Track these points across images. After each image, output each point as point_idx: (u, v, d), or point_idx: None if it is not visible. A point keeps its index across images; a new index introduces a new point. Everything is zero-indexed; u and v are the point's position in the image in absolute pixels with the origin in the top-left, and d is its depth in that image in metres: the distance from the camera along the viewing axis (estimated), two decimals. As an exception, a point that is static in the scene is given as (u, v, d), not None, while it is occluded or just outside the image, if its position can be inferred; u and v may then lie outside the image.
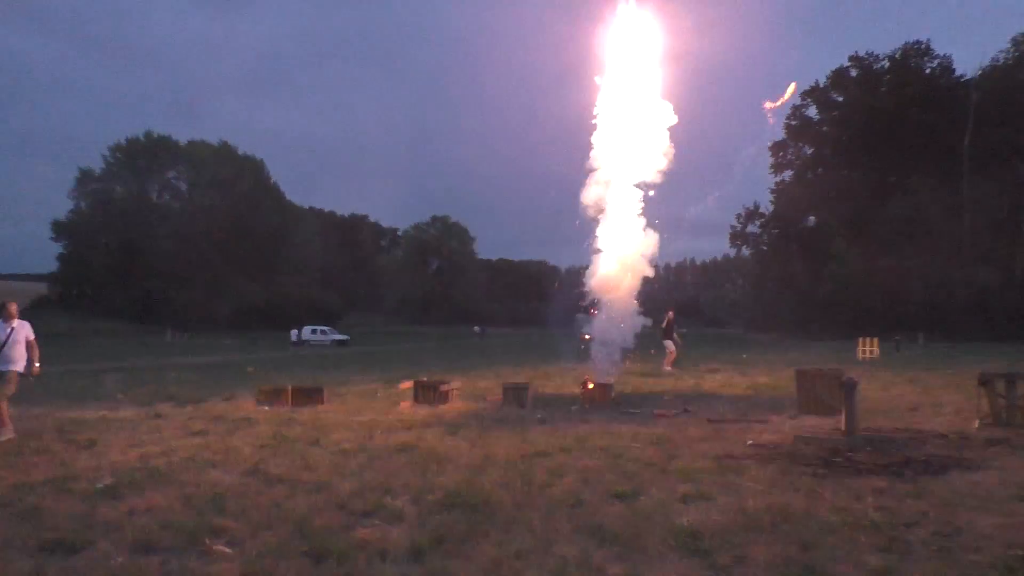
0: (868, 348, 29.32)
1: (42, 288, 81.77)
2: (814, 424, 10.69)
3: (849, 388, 9.16)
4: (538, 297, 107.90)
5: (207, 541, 5.05)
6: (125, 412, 12.67)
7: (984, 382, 10.71)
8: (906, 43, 65.53)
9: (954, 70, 64.39)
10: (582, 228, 15.26)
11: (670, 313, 21.34)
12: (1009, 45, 59.76)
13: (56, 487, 6.75)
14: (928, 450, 8.65)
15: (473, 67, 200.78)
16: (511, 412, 12.28)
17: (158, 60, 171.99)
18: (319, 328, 60.38)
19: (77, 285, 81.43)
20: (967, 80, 61.33)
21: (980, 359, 24.63)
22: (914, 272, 53.94)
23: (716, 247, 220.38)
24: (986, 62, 60.64)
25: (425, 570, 4.58)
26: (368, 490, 6.53)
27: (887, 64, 66.74)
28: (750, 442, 9.24)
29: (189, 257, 75.23)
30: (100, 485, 6.71)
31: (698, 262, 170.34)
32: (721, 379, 18.62)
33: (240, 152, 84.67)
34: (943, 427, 10.34)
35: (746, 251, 79.03)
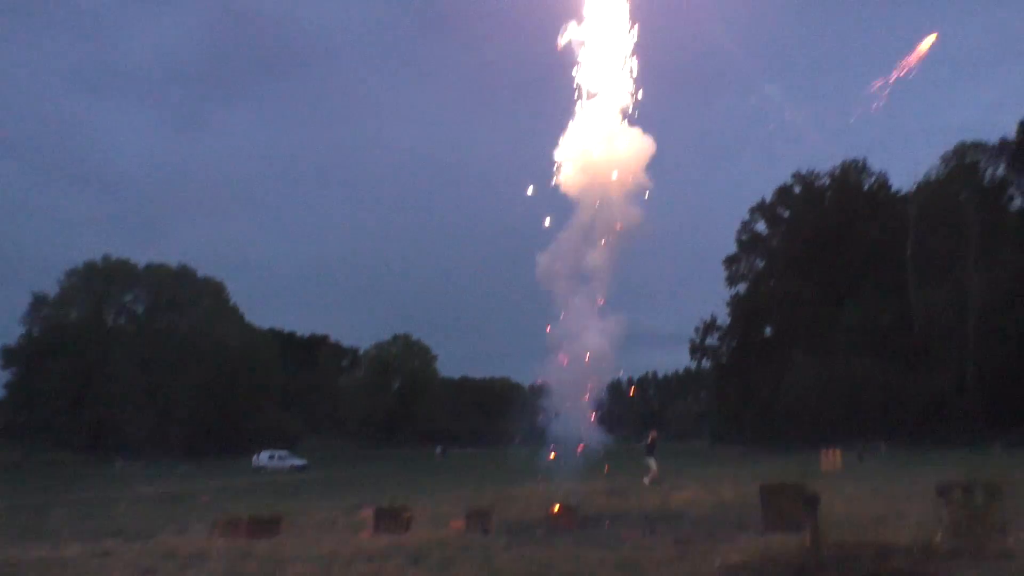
0: (831, 459, 29.42)
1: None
2: (781, 541, 10.59)
3: (811, 504, 9.17)
4: (501, 414, 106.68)
5: None
6: (69, 550, 12.08)
7: (942, 492, 10.80)
8: (844, 161, 69.24)
9: (890, 186, 67.98)
10: (542, 339, 15.44)
11: (653, 432, 23.29)
12: (939, 162, 62.94)
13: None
14: (893, 564, 8.62)
15: (433, 186, 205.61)
16: (475, 539, 11.99)
17: (115, 182, 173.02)
18: (276, 453, 58.67)
19: (26, 413, 78.58)
20: (904, 195, 64.51)
21: (940, 467, 24.81)
22: (871, 380, 54.86)
23: (678, 359, 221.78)
24: (919, 178, 63.89)
25: None
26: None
27: (828, 181, 70.22)
28: (718, 563, 9.12)
29: (143, 382, 73.49)
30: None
31: (660, 375, 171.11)
32: (688, 496, 18.45)
33: (200, 274, 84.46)
34: (907, 539, 10.32)
35: (706, 363, 79.94)
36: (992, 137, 61.61)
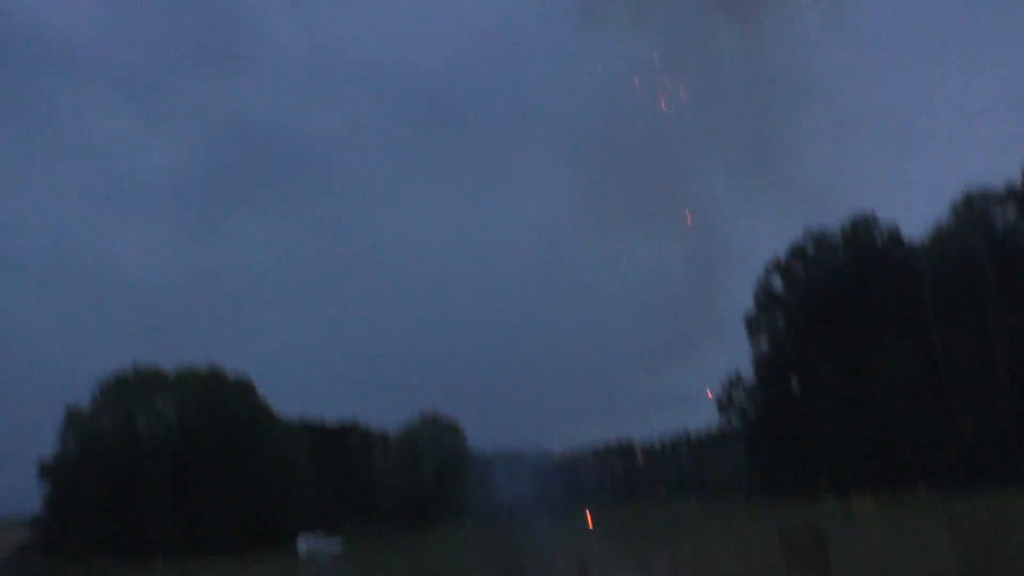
0: (865, 505, 29.68)
1: (24, 534, 79.45)
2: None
3: (821, 543, 10.02)
4: (536, 485, 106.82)
5: None
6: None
7: (953, 528, 11.57)
8: (854, 216, 68.89)
9: (902, 240, 68.01)
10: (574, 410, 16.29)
11: None
12: (950, 211, 63.08)
13: None
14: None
15: (444, 267, 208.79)
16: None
17: (140, 292, 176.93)
18: (313, 537, 59.77)
19: (63, 524, 79.18)
20: (917, 248, 64.82)
21: (964, 506, 25.16)
22: (905, 429, 54.80)
23: (708, 416, 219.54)
24: (929, 229, 64.02)
25: None
26: None
27: (840, 239, 70.48)
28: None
29: (180, 487, 74.23)
30: None
31: (692, 434, 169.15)
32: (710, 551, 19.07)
33: (230, 374, 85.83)
34: (924, 572, 11.08)
35: (734, 419, 79.75)
36: (996, 182, 62.42)
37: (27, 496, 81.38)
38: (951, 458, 51.75)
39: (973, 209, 60.97)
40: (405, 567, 31.75)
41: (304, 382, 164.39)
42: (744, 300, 74.61)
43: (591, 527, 47.83)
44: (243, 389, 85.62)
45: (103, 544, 73.17)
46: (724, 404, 77.03)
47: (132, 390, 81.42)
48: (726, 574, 14.13)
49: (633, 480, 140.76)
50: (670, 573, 15.25)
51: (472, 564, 25.96)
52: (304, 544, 57.73)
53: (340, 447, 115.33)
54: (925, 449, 53.29)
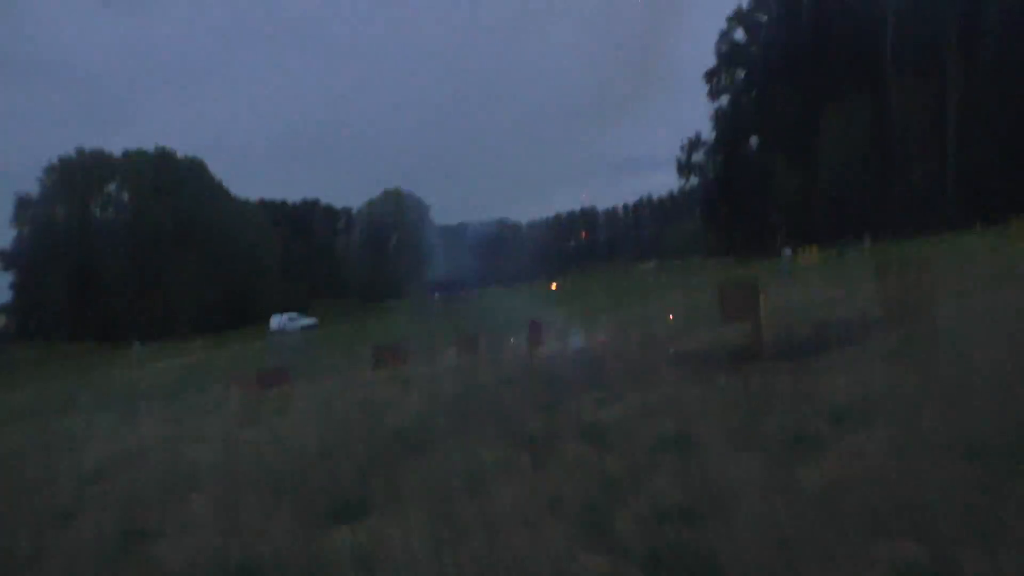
0: (808, 257, 30.69)
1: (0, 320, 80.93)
2: (734, 331, 11.73)
3: (753, 295, 10.20)
4: (502, 256, 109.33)
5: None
6: (102, 419, 13.34)
7: (880, 270, 11.83)
8: None
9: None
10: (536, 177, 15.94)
11: None
12: None
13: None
14: (824, 335, 9.74)
15: (401, 36, 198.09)
16: (464, 364, 13.20)
17: (74, 71, 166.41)
18: (288, 315, 61.33)
19: (35, 312, 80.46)
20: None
21: (909, 252, 26.07)
22: (854, 182, 55.68)
23: (671, 180, 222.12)
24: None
25: (371, 483, 5.47)
26: (325, 438, 7.40)
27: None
28: (671, 351, 10.27)
29: (143, 270, 74.67)
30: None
31: (655, 198, 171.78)
32: (665, 305, 19.75)
33: (180, 155, 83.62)
34: (850, 315, 11.47)
35: (695, 180, 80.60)
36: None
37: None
38: (899, 211, 53.18)
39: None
40: (357, 333, 32.89)
41: (261, 164, 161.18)
42: (707, 59, 72.72)
43: (554, 290, 49.32)
44: (195, 170, 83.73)
45: (77, 330, 74.83)
46: (683, 166, 77.39)
47: (81, 175, 79.34)
48: (667, 327, 14.55)
49: (596, 247, 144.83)
50: (614, 327, 15.69)
51: (424, 329, 26.78)
52: (276, 321, 59.47)
53: (304, 226, 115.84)
54: (874, 203, 54.56)
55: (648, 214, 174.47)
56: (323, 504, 4.97)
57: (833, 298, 14.30)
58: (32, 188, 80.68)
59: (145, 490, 6.29)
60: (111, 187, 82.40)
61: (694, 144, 75.86)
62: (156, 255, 75.76)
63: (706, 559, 3.10)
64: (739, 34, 72.02)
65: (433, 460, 5.85)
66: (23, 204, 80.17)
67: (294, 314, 62.61)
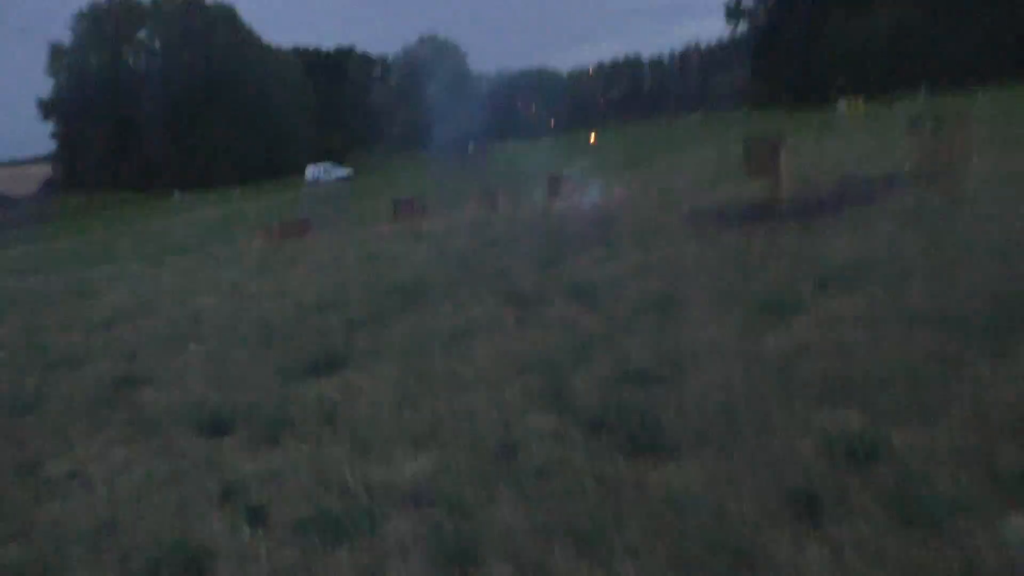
0: (854, 108, 29.32)
1: (47, 171, 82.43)
2: (756, 186, 11.38)
3: (775, 150, 9.78)
4: (543, 105, 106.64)
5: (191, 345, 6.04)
6: (132, 267, 13.71)
7: (912, 126, 11.23)
8: None
9: None
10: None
11: None
12: None
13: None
14: (847, 192, 9.38)
15: None
16: (481, 217, 13.11)
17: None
18: (322, 166, 61.25)
19: (78, 161, 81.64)
20: None
21: (964, 106, 24.68)
22: (912, 30, 52.21)
23: (719, 26, 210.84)
24: None
25: (356, 338, 5.54)
26: (325, 291, 7.49)
27: None
28: (686, 208, 10.03)
29: (179, 119, 74.50)
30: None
31: (703, 46, 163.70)
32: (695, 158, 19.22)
33: (209, 1, 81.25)
34: (880, 172, 10.99)
35: (744, 26, 76.41)
36: None
37: (40, 139, 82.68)
38: (957, 62, 49.97)
39: None
40: (388, 185, 32.81)
41: (294, 11, 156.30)
42: None
43: (592, 143, 48.43)
44: (226, 16, 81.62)
45: (118, 178, 76.00)
46: (732, 11, 73.10)
47: (111, 23, 78.02)
48: (691, 179, 14.21)
49: (640, 97, 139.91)
50: (639, 182, 15.37)
51: (452, 181, 26.58)
52: (312, 171, 59.45)
53: (339, 75, 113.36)
54: (933, 53, 51.27)
55: (695, 63, 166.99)
56: (307, 357, 5.07)
57: (868, 154, 13.71)
58: (64, 36, 79.90)
59: (148, 339, 6.49)
60: (142, 34, 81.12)
61: (744, -12, 71.24)
62: (190, 104, 75.35)
63: (648, 423, 3.10)
64: None
65: (423, 316, 5.90)
66: (56, 53, 79.61)
67: (329, 165, 62.53)
